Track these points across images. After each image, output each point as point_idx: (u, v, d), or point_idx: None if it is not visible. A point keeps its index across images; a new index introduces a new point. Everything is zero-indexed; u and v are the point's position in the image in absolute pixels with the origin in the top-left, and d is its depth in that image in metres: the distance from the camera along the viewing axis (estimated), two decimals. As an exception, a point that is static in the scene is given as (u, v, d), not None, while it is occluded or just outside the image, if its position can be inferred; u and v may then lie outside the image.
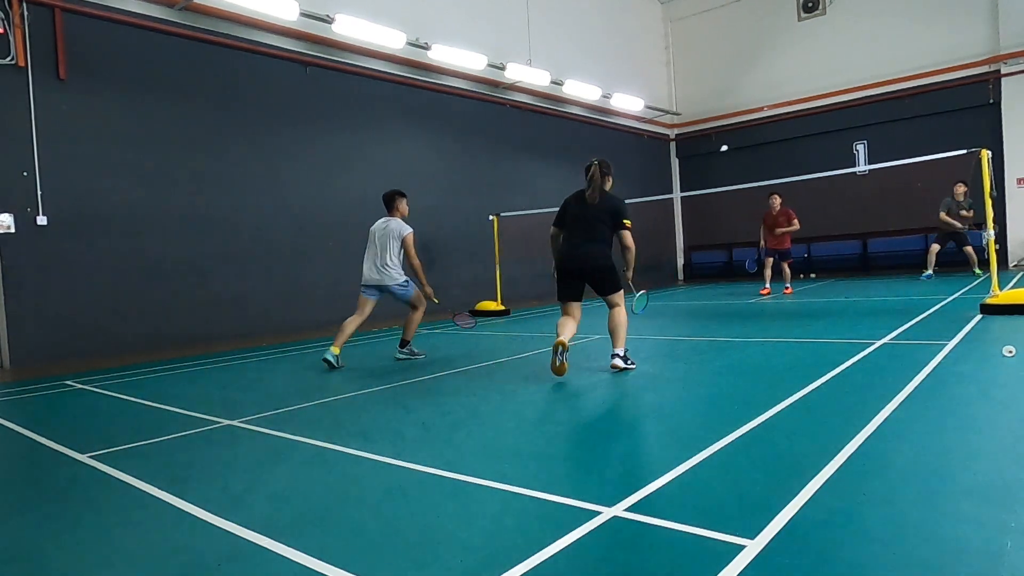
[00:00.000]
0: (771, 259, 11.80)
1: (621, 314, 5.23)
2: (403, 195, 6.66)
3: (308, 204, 10.20)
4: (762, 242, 11.83)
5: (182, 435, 3.86)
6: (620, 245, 5.28)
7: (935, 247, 11.38)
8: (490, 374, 5.48)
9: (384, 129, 11.42)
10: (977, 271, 11.34)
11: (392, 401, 4.55)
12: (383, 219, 6.56)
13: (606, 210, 5.23)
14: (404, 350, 6.52)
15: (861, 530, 2.03)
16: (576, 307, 5.33)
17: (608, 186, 5.34)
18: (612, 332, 5.22)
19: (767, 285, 11.78)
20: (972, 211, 10.96)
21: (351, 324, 6.28)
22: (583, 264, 5.25)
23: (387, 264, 6.32)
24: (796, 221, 11.33)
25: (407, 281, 6.44)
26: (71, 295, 7.70)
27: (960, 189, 11.20)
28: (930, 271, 11.45)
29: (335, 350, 6.15)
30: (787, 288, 11.65)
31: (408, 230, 6.39)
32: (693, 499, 2.39)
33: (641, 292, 6.00)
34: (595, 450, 3.13)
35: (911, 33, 15.39)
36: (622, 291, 5.30)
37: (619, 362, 5.10)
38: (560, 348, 4.83)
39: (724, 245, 18.72)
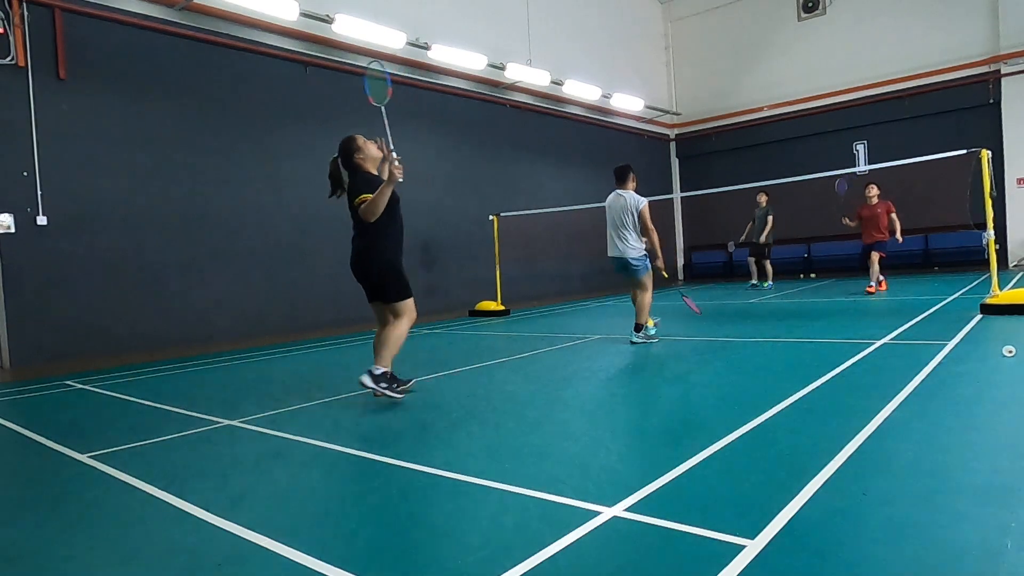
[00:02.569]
0: (870, 253, 10.44)
1: (397, 329, 4.43)
2: (633, 170, 6.70)
3: (308, 204, 10.20)
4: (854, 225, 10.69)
5: (182, 435, 3.86)
6: None
7: (752, 258, 11.37)
8: (490, 374, 5.48)
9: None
10: (763, 283, 11.42)
11: (392, 401, 4.55)
12: (614, 193, 6.55)
13: (350, 193, 4.43)
14: (639, 335, 6.32)
15: (861, 530, 2.03)
16: (384, 310, 4.55)
17: (368, 164, 4.51)
18: (378, 345, 4.44)
19: (872, 283, 10.37)
20: (768, 222, 10.82)
21: (640, 298, 6.38)
22: (355, 266, 4.50)
23: (625, 237, 6.32)
24: (895, 215, 10.31)
25: (645, 257, 6.38)
26: (71, 295, 7.70)
27: (762, 199, 11.04)
28: (770, 281, 11.57)
29: (650, 323, 6.44)
30: (872, 285, 10.28)
31: (644, 202, 6.38)
32: (693, 499, 2.39)
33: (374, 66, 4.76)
34: (595, 450, 3.13)
35: (911, 33, 15.39)
36: (408, 301, 4.47)
37: (367, 379, 4.29)
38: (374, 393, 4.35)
39: (724, 245, 18.69)
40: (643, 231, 6.39)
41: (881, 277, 10.66)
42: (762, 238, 11.28)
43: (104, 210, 8.02)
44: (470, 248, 12.62)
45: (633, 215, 6.32)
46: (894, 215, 10.41)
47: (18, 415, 4.80)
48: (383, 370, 4.37)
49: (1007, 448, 2.75)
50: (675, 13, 19.35)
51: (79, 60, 7.89)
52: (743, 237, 11.63)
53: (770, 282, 11.94)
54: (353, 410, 4.35)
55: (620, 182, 6.59)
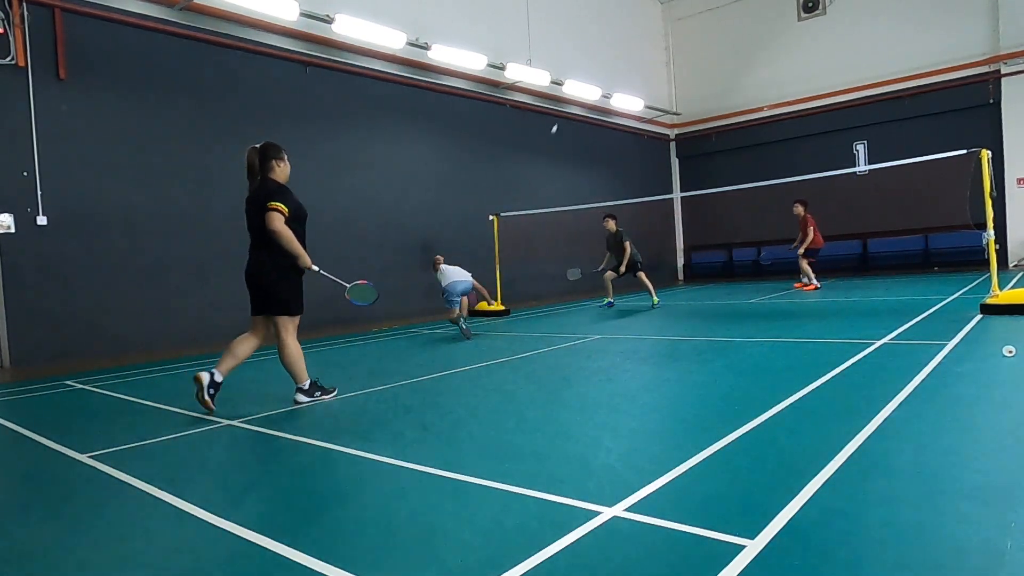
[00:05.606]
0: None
1: (290, 348, 4.45)
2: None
3: (308, 204, 10.07)
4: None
5: (182, 435, 3.86)
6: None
7: (611, 274, 10.88)
8: (490, 374, 5.48)
9: (384, 129, 11.42)
10: (654, 300, 10.88)
11: (392, 401, 4.55)
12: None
13: (260, 201, 4.36)
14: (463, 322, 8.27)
15: (861, 530, 2.03)
16: (259, 322, 4.56)
17: (277, 173, 4.50)
18: (286, 369, 4.52)
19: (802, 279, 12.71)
20: (627, 246, 10.49)
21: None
22: (248, 274, 4.50)
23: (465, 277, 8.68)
24: (809, 231, 12.11)
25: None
26: (71, 295, 7.70)
27: (610, 224, 10.71)
28: (610, 299, 11.30)
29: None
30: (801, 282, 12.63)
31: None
32: (693, 499, 2.39)
33: (357, 283, 5.06)
34: (595, 450, 3.13)
35: (911, 33, 15.40)
36: (292, 319, 4.48)
37: (302, 396, 4.51)
38: (199, 386, 4.30)
39: (724, 245, 18.72)
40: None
41: (805, 279, 12.49)
42: (622, 269, 10.75)
43: (104, 210, 8.02)
44: (470, 248, 12.61)
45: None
46: (808, 229, 12.13)
47: (18, 415, 4.80)
48: (308, 381, 4.52)
49: (1007, 448, 2.75)
50: (675, 13, 19.35)
51: (79, 60, 7.89)
52: (603, 266, 11.08)
53: (656, 298, 11.34)
54: (353, 410, 4.35)
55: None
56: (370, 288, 5.06)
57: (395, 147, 11.60)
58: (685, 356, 5.77)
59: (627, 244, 10.48)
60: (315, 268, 4.60)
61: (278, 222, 4.28)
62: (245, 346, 4.51)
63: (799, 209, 12.23)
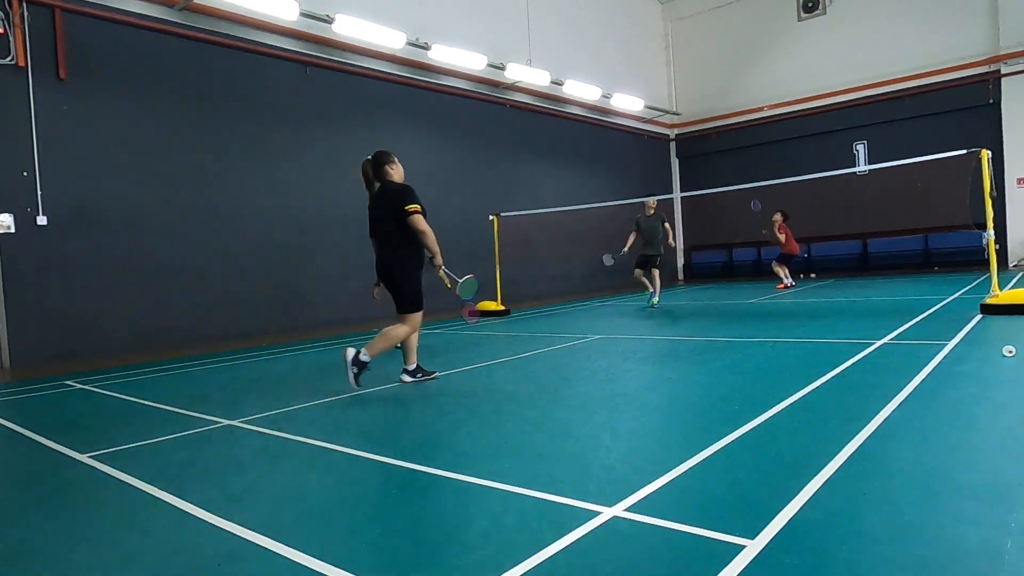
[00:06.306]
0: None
1: (398, 330, 4.83)
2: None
3: (308, 204, 10.20)
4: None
5: (182, 435, 3.86)
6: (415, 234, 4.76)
7: (639, 272, 10.61)
8: (490, 374, 5.48)
9: (384, 129, 11.42)
10: (654, 300, 10.42)
11: (392, 401, 4.55)
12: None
13: (387, 202, 4.77)
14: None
15: (861, 530, 2.03)
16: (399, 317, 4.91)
17: (393, 176, 4.90)
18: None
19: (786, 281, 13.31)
20: (668, 229, 10.29)
21: None
22: (380, 272, 4.95)
23: None
24: (780, 237, 13.00)
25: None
26: (71, 295, 7.70)
27: (652, 205, 10.36)
28: (652, 294, 10.62)
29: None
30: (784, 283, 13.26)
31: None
32: (693, 499, 2.39)
33: (468, 276, 5.45)
34: (595, 450, 3.13)
35: (911, 33, 15.40)
36: (415, 315, 4.89)
37: (406, 377, 5.03)
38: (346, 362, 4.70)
39: (724, 245, 18.72)
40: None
41: (786, 280, 13.15)
42: (670, 242, 10.44)
43: (104, 210, 8.02)
44: (470, 248, 12.61)
45: None
46: (780, 235, 12.99)
47: (18, 415, 4.80)
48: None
49: (1007, 448, 2.75)
50: (675, 13, 19.35)
51: (79, 60, 7.89)
52: (626, 249, 10.48)
53: (657, 297, 10.59)
54: (353, 410, 4.35)
55: None
56: (474, 281, 5.51)
57: (395, 147, 11.47)
58: (685, 356, 5.77)
59: (667, 226, 10.59)
60: (444, 268, 4.99)
61: (423, 222, 4.69)
62: (399, 331, 4.86)
63: (777, 216, 12.93)
